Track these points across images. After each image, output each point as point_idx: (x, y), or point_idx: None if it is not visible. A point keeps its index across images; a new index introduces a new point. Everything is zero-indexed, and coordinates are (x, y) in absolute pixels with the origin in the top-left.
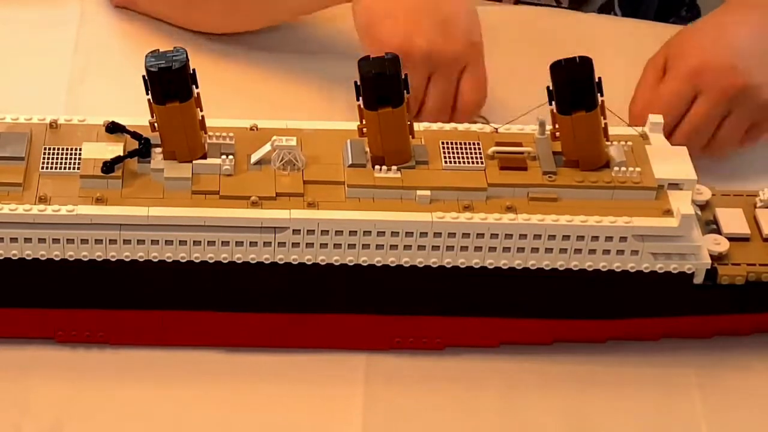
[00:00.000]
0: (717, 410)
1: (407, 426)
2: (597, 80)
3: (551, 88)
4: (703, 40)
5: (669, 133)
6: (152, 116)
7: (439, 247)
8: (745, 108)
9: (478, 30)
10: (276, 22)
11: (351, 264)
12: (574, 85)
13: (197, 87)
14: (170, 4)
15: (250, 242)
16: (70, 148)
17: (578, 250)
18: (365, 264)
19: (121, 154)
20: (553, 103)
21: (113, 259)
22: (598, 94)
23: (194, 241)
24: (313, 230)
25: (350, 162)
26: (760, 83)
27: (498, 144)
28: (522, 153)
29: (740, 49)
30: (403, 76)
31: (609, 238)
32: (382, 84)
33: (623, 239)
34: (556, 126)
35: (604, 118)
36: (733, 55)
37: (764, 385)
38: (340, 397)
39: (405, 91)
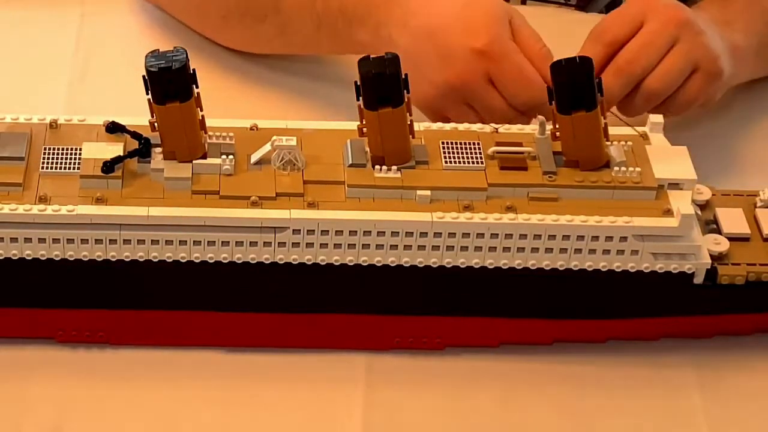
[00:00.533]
0: (717, 410)
1: (407, 426)
2: (597, 80)
3: (551, 87)
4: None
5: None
6: (152, 116)
7: (439, 247)
8: (687, 42)
9: (483, 35)
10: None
11: (351, 264)
12: (574, 84)
13: (197, 87)
14: (200, 19)
15: (250, 242)
16: (70, 148)
17: (578, 250)
18: (365, 264)
19: (121, 154)
20: (554, 102)
21: (113, 259)
22: (598, 94)
23: (194, 241)
24: (313, 230)
25: (350, 162)
26: (700, 29)
27: (498, 144)
28: (522, 153)
29: (712, 28)
30: (403, 76)
31: (609, 238)
32: (382, 84)
33: (623, 239)
34: (556, 126)
35: (604, 118)
36: (707, 26)
37: (764, 385)
38: (340, 397)
39: (405, 91)
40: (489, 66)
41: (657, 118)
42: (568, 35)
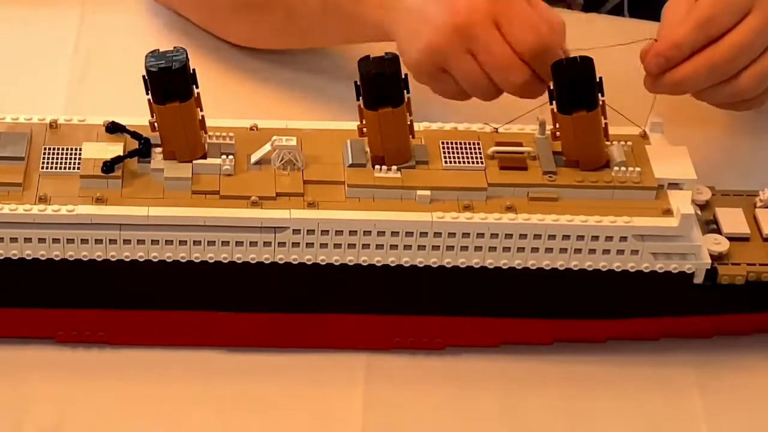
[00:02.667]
0: (717, 410)
1: (407, 426)
2: (598, 80)
3: (552, 87)
4: None
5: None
6: (152, 116)
7: (439, 247)
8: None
9: None
10: (306, 46)
11: (351, 264)
12: (575, 84)
13: (197, 87)
14: (210, 13)
15: (250, 242)
16: (70, 148)
17: (578, 250)
18: (365, 264)
19: (121, 154)
20: (554, 102)
21: (113, 259)
22: (599, 94)
23: (194, 241)
24: (313, 230)
25: (350, 162)
26: None
27: (498, 144)
28: (522, 153)
29: None
30: (403, 76)
31: (609, 238)
32: (382, 84)
33: (623, 239)
34: (557, 126)
35: (605, 118)
36: None
37: (764, 385)
38: (340, 397)
39: (405, 91)
40: (496, 8)
41: (657, 118)
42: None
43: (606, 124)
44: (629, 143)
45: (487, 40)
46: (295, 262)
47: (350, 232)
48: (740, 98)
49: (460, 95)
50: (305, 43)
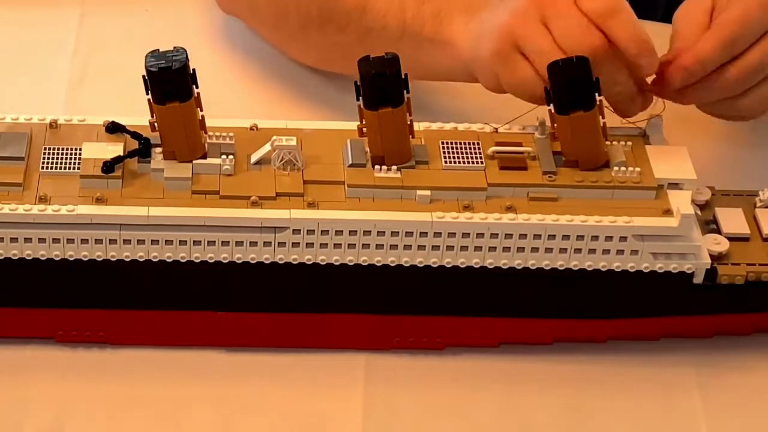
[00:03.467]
0: (717, 410)
1: (407, 426)
2: (595, 80)
3: (548, 88)
4: None
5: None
6: (152, 116)
7: (439, 246)
8: None
9: None
10: None
11: (351, 264)
12: (571, 85)
13: (197, 87)
14: (277, 28)
15: (250, 242)
16: (70, 148)
17: (578, 250)
18: (365, 264)
19: (121, 154)
20: (551, 103)
21: (113, 259)
22: (596, 94)
23: (194, 241)
24: (313, 230)
25: (350, 162)
26: None
27: (498, 144)
28: (522, 153)
29: None
30: (403, 76)
31: (609, 238)
32: (382, 84)
33: (623, 239)
34: (555, 126)
35: (603, 118)
36: None
37: (764, 385)
38: (340, 397)
39: (405, 91)
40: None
41: (657, 119)
42: None
43: (604, 123)
44: (629, 143)
45: (563, 12)
46: (295, 262)
47: (350, 232)
48: (740, 115)
49: (533, 81)
50: None
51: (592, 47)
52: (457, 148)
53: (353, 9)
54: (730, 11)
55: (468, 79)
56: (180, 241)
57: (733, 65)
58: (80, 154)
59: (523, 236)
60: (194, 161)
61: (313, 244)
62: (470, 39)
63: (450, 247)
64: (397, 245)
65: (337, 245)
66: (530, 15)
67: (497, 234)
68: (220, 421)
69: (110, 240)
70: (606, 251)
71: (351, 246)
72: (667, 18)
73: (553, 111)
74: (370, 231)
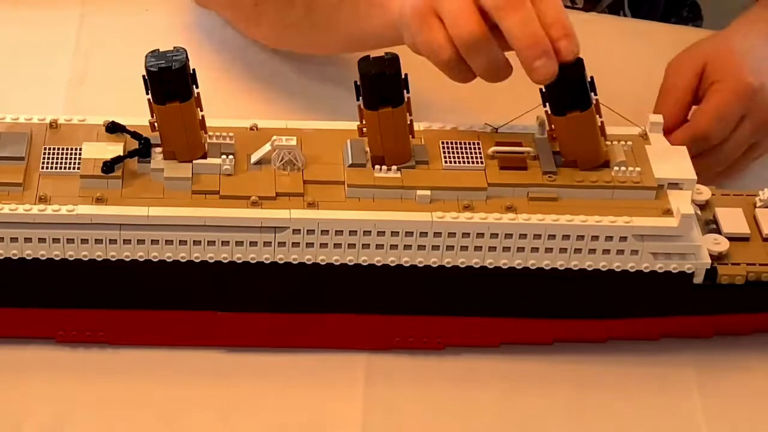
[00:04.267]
0: (717, 410)
1: (407, 426)
2: (589, 79)
3: (544, 89)
4: (754, 60)
5: (702, 151)
6: (152, 116)
7: (439, 246)
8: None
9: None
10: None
11: (351, 264)
12: (566, 85)
13: (197, 87)
14: (234, 9)
15: (250, 242)
16: (70, 148)
17: (578, 250)
18: (365, 264)
19: (121, 153)
20: (547, 104)
21: (113, 259)
22: (592, 93)
23: (194, 241)
24: (313, 230)
25: (350, 162)
26: None
27: (498, 144)
28: (522, 153)
29: None
30: (403, 76)
31: (609, 238)
32: (382, 84)
33: (623, 239)
34: (552, 127)
35: (600, 117)
36: None
37: (764, 385)
38: (340, 397)
39: (405, 91)
40: None
41: (656, 118)
42: None
43: (602, 122)
44: (629, 143)
45: None
46: (295, 262)
47: (350, 232)
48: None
49: (443, 45)
50: (324, 43)
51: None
52: (457, 148)
53: None
54: (705, 105)
55: (400, 41)
56: (180, 241)
57: (711, 155)
58: (80, 154)
59: (523, 236)
60: (194, 161)
61: (313, 244)
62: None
63: (450, 247)
64: (397, 245)
65: (337, 245)
66: None
67: (497, 234)
68: (220, 421)
69: (110, 240)
70: (606, 251)
71: (351, 246)
72: (666, 18)
73: (549, 112)
74: (370, 231)
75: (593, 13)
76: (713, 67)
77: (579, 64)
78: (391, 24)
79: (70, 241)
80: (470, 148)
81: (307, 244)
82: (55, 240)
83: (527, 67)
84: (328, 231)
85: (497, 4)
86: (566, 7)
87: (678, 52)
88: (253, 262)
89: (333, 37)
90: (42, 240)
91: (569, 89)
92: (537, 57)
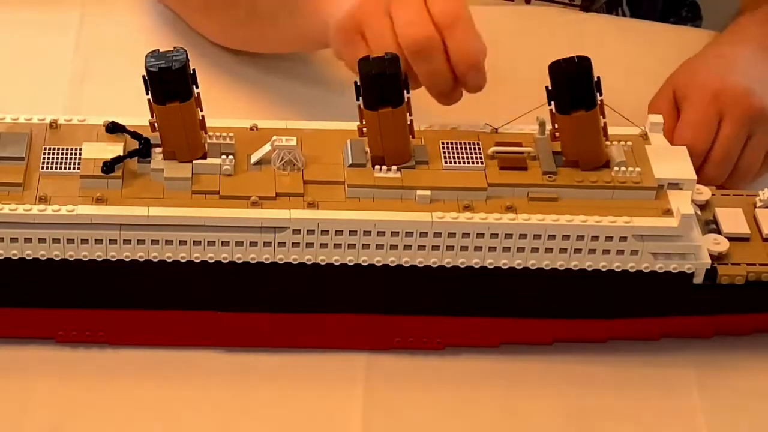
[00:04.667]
0: (716, 409)
1: (407, 426)
2: (596, 79)
3: (550, 88)
4: (712, 68)
5: (700, 165)
6: (152, 116)
7: (439, 246)
8: (765, 130)
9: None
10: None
11: (351, 264)
12: (573, 84)
13: (197, 87)
14: (187, 6)
15: (250, 242)
16: (70, 148)
17: (578, 250)
18: (365, 264)
19: (121, 154)
20: (553, 103)
21: (113, 259)
22: (597, 94)
23: (194, 241)
24: (313, 230)
25: (350, 162)
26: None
27: (498, 144)
28: (522, 153)
29: (750, 74)
30: (403, 77)
31: (609, 238)
32: (382, 84)
33: (623, 239)
34: (556, 126)
35: (603, 117)
36: (747, 80)
37: (764, 385)
38: (340, 397)
39: (405, 91)
40: None
41: (656, 118)
42: (562, 36)
43: (605, 123)
44: (629, 143)
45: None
46: (295, 262)
47: (350, 232)
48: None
49: None
50: (266, 43)
51: (425, 38)
52: (457, 149)
53: None
54: (679, 122)
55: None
56: (180, 241)
57: (707, 164)
58: (80, 154)
59: (523, 236)
60: (194, 161)
61: (313, 244)
62: (331, 9)
63: (450, 247)
64: (397, 245)
65: (337, 245)
66: (378, 4)
67: (497, 234)
68: (220, 421)
69: (110, 240)
70: (606, 251)
71: (351, 246)
72: (665, 18)
73: (554, 111)
74: (370, 231)
75: (592, 12)
76: (679, 91)
77: (587, 63)
78: (323, 32)
79: (70, 241)
80: (470, 149)
81: (307, 244)
82: (55, 240)
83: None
84: (328, 231)
85: (410, 50)
86: (563, 5)
87: (677, 52)
88: (253, 262)
89: (274, 36)
90: (42, 240)
91: (576, 88)
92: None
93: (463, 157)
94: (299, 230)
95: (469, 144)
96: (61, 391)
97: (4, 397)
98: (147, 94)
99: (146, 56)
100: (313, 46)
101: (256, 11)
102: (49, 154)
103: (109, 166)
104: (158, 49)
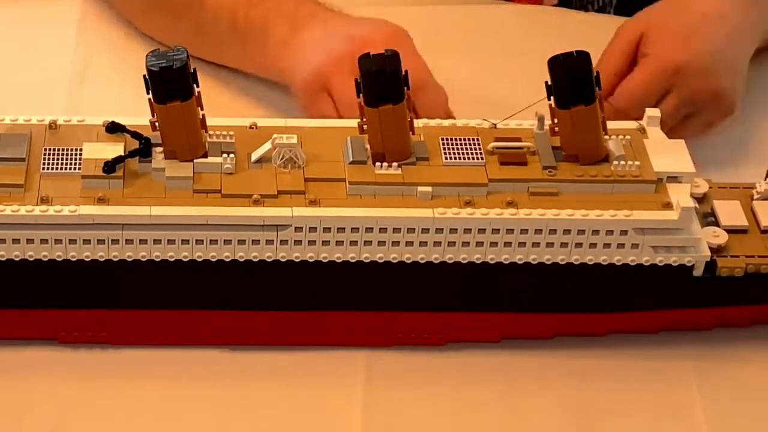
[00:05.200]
0: (716, 402)
1: (408, 423)
2: (595, 74)
3: (550, 83)
4: (687, 30)
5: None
6: (153, 115)
7: (440, 242)
8: (709, 111)
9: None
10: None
11: (353, 261)
12: (572, 79)
13: (198, 86)
14: (127, 8)
15: (252, 240)
16: (70, 148)
17: (579, 244)
18: (367, 261)
19: (122, 153)
20: (552, 98)
21: (115, 259)
22: (596, 88)
23: (196, 240)
24: (315, 228)
25: (351, 159)
26: (727, 88)
27: (497, 139)
28: (522, 148)
29: (718, 51)
30: (403, 73)
31: (609, 232)
32: (382, 81)
33: (623, 233)
34: (555, 121)
35: (602, 112)
36: (712, 59)
37: (763, 377)
38: (340, 396)
39: (405, 88)
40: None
41: (654, 112)
42: (559, 34)
43: (604, 117)
44: (627, 137)
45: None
46: (297, 260)
47: (352, 229)
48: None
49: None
50: (218, 59)
51: None
52: (457, 145)
53: (191, 1)
54: (629, 80)
55: (285, 83)
56: (182, 240)
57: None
58: (81, 154)
59: (524, 231)
60: (195, 160)
61: (315, 241)
62: (287, 55)
63: (452, 243)
64: (398, 242)
65: (339, 242)
66: (345, 63)
67: (498, 229)
68: (220, 420)
69: (112, 240)
70: (607, 245)
71: (353, 243)
72: None
73: (553, 105)
74: (371, 228)
75: (591, 13)
76: (646, 39)
77: (586, 58)
78: (276, 69)
79: (72, 241)
80: (470, 144)
81: (309, 241)
82: (58, 241)
83: None
84: (329, 228)
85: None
86: (563, 5)
87: None
88: (256, 260)
89: (227, 60)
90: (44, 241)
91: (575, 83)
92: None
93: (463, 153)
94: (301, 228)
95: (469, 140)
96: (63, 391)
97: (5, 397)
98: (148, 93)
99: (147, 55)
100: (270, 77)
101: (203, 30)
102: (49, 154)
103: (110, 166)
104: (159, 49)
